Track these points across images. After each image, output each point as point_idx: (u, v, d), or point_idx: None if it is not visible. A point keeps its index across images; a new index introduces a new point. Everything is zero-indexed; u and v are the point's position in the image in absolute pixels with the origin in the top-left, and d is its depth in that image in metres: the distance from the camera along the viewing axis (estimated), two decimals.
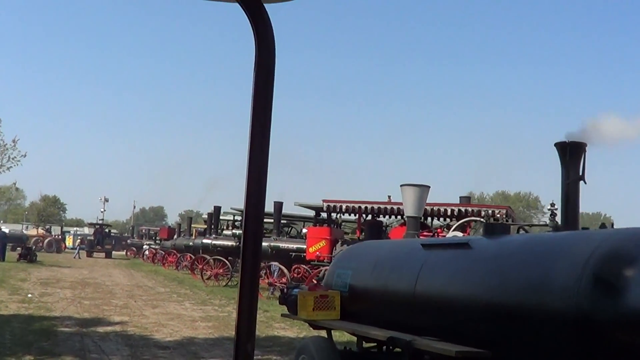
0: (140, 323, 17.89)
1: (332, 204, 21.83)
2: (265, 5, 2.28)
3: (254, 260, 2.38)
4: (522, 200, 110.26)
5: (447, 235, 16.91)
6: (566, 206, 9.19)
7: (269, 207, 29.86)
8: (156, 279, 36.80)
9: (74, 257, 60.74)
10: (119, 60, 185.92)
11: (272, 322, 19.29)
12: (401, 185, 17.45)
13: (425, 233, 21.35)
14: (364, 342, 9.77)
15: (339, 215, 28.37)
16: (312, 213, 32.09)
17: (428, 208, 21.08)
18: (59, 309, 20.07)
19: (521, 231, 17.54)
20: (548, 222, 16.36)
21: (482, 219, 17.89)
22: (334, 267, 10.71)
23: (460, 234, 16.82)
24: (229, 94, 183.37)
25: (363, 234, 22.33)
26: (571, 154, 9.21)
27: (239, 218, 37.36)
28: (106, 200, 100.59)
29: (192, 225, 50.14)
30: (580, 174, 9.35)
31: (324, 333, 10.17)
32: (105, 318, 18.54)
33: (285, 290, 11.11)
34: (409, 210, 17.39)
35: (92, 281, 32.24)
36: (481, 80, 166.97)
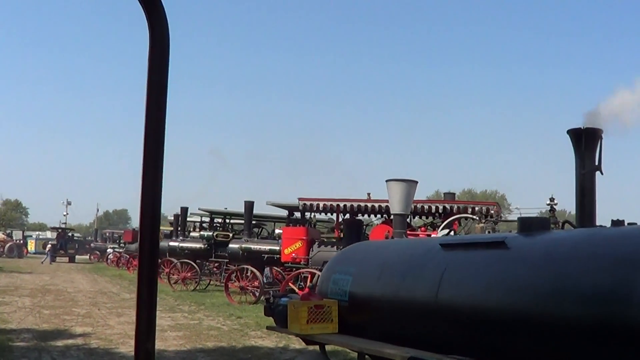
0: (105, 334, 16.19)
1: (308, 203, 20.30)
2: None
3: (151, 257, 2.26)
4: (489, 198, 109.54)
5: (438, 234, 15.44)
6: (582, 200, 7.90)
7: (239, 207, 28.29)
8: (121, 284, 34.96)
9: (42, 262, 58.62)
10: (80, 63, 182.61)
11: (248, 330, 17.67)
12: (387, 181, 15.99)
13: (410, 232, 19.94)
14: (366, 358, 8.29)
15: (313, 214, 26.89)
16: (284, 213, 30.62)
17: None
18: (16, 320, 18.29)
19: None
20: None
21: (474, 217, 16.42)
22: (329, 271, 9.16)
23: (452, 232, 15.37)
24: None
25: (342, 234, 20.83)
26: (587, 142, 8.00)
27: (207, 219, 35.74)
28: (69, 203, 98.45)
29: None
30: (597, 163, 8.23)
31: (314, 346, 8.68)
32: (67, 329, 16.81)
33: (271, 299, 9.56)
34: (396, 207, 15.90)
35: (54, 288, 30.35)
36: (451, 79, 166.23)
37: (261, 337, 16.68)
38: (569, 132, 8.17)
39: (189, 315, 20.89)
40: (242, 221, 34.97)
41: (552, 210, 15.14)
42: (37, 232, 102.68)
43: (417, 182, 16.00)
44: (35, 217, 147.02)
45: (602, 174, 8.04)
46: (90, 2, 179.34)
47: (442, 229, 16.68)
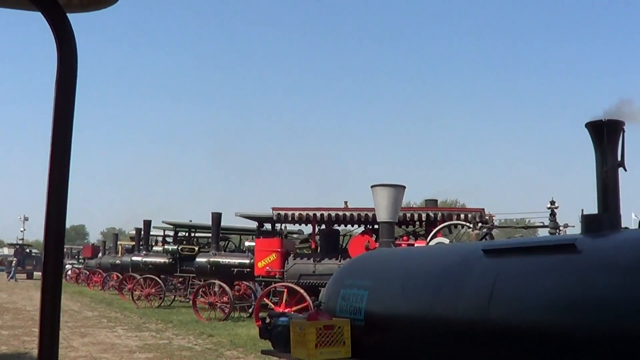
0: (69, 357, 14.62)
1: (282, 212, 18.85)
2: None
3: (55, 270, 1.86)
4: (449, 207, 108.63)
5: (433, 242, 14.17)
6: (604, 199, 6.61)
7: (206, 219, 26.78)
8: (82, 301, 33.14)
9: (8, 280, 56.44)
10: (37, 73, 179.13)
11: (222, 350, 16.19)
12: (372, 186, 14.62)
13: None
14: None
15: (284, 226, 25.47)
16: (251, 224, 29.17)
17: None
18: None
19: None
20: (548, 221, 13.92)
21: (467, 223, 15.20)
22: (336, 286, 7.77)
23: (446, 241, 14.13)
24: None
25: (318, 245, 19.46)
26: (609, 135, 6.76)
27: (171, 233, 34.08)
28: (26, 219, 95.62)
29: (118, 242, 46.57)
30: (620, 159, 7.00)
31: None
32: (27, 352, 15.19)
33: (267, 320, 8.14)
34: (382, 215, 14.52)
35: (12, 306, 28.49)
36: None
37: (237, 358, 15.25)
38: (587, 125, 7.00)
39: (157, 334, 19.33)
40: (209, 234, 33.50)
41: (553, 214, 13.98)
42: None
43: (404, 187, 14.68)
44: None
45: (625, 170, 6.90)
46: None
47: (432, 237, 15.46)
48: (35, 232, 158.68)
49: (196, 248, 27.84)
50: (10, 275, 58.84)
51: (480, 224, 14.07)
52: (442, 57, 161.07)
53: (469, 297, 5.72)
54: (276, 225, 24.96)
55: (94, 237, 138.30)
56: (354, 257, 18.60)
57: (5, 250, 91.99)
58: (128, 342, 17.42)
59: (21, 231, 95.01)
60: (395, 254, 8.10)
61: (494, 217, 14.78)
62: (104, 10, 2.33)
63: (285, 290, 18.55)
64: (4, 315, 23.84)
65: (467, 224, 15.08)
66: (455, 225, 16.45)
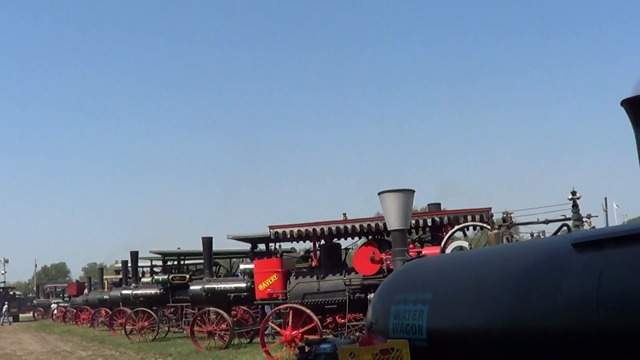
0: None
1: (280, 230, 17.70)
2: None
3: None
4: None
5: (451, 247, 13.10)
6: None
7: (196, 244, 25.56)
8: (72, 340, 31.68)
9: (1, 324, 54.76)
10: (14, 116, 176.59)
11: None
12: (380, 193, 13.59)
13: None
14: None
15: (279, 245, 24.30)
16: (242, 247, 28.00)
17: (380, 223, 17.31)
18: None
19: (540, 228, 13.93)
20: (571, 213, 12.91)
21: (483, 224, 14.16)
22: (385, 302, 6.69)
23: (465, 244, 13.08)
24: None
25: (319, 261, 18.30)
26: None
27: (159, 263, 32.80)
28: (6, 261, 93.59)
29: (104, 277, 45.12)
30: None
31: None
32: None
33: (305, 348, 7.03)
34: (393, 222, 13.46)
35: (1, 352, 26.99)
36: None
37: None
38: (623, 102, 6.08)
39: None
40: (198, 261, 32.27)
41: (576, 205, 12.99)
42: None
43: (413, 192, 13.66)
44: None
45: None
46: None
47: (446, 242, 14.40)
48: (15, 274, 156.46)
49: (187, 276, 26.65)
50: (2, 319, 57.25)
51: (503, 223, 13.07)
52: (429, 58, 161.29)
53: (568, 300, 4.66)
54: (270, 244, 23.86)
55: (76, 274, 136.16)
56: (360, 271, 17.57)
57: None
58: None
59: (2, 274, 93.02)
60: (454, 260, 7.02)
61: (511, 214, 13.71)
62: None
63: (291, 311, 17.38)
64: None
65: (485, 225, 14.05)
66: (468, 228, 15.39)
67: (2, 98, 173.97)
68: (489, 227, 13.69)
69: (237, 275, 26.48)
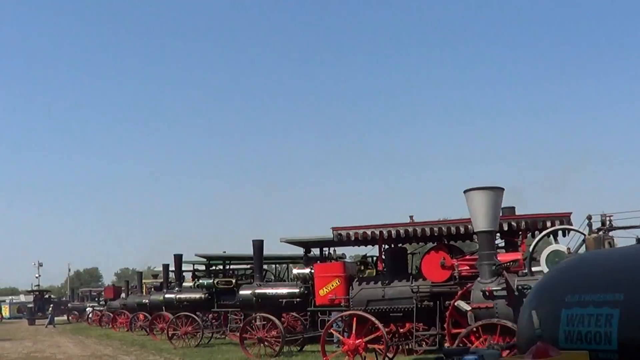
0: None
1: (343, 233, 16.45)
2: None
3: None
4: None
5: (546, 252, 11.80)
6: None
7: (246, 248, 24.38)
8: (112, 344, 30.59)
9: (46, 327, 54.03)
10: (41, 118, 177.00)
11: None
12: (466, 191, 12.37)
13: (466, 260, 16.23)
14: None
15: (332, 249, 23.08)
16: (292, 252, 26.83)
17: (452, 227, 16.01)
18: None
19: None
20: None
21: (577, 229, 12.82)
22: (553, 305, 5.41)
23: (563, 248, 11.78)
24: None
25: (384, 267, 17.01)
26: None
27: (201, 267, 31.64)
28: (40, 264, 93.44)
29: (143, 281, 44.11)
30: None
31: None
32: None
33: (444, 358, 5.77)
34: (480, 223, 12.25)
35: (40, 355, 25.96)
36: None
37: None
38: None
39: None
40: (242, 266, 31.13)
41: None
42: (9, 297, 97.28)
43: (503, 190, 12.41)
44: (5, 281, 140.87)
45: None
46: None
47: (535, 246, 13.10)
48: (49, 277, 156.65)
49: (234, 280, 25.47)
50: (49, 321, 56.56)
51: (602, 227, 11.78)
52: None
53: None
54: (324, 249, 22.65)
55: (108, 279, 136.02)
56: (428, 277, 16.26)
57: (22, 297, 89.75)
58: None
59: (36, 277, 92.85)
60: None
61: (611, 217, 12.36)
62: None
63: (354, 319, 16.12)
64: None
65: (577, 230, 12.73)
66: (557, 233, 14.00)
67: (34, 100, 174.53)
68: (583, 232, 12.44)
69: (284, 281, 25.39)
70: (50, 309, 59.51)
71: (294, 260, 27.63)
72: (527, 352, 4.93)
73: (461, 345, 12.18)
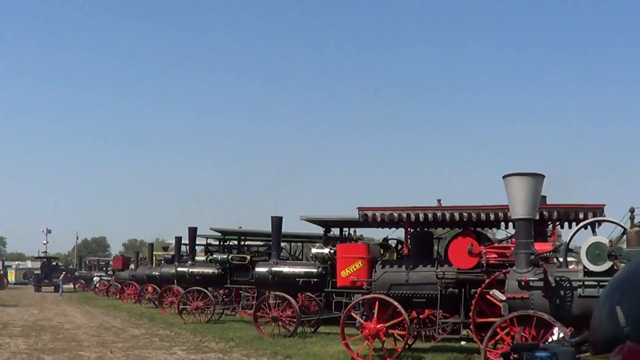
0: None
1: (369, 213, 15.93)
2: None
3: None
4: None
5: (587, 244, 11.25)
6: None
7: (265, 224, 23.92)
8: (120, 316, 30.27)
9: (60, 295, 54.49)
10: (52, 87, 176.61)
11: None
12: (505, 176, 11.84)
13: (494, 247, 15.72)
14: None
15: (354, 231, 22.58)
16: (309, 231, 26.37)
17: (482, 213, 15.47)
18: None
19: None
20: None
21: (621, 224, 12.24)
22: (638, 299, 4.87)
23: (604, 240, 11.24)
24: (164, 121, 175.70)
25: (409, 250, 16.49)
26: None
27: (214, 242, 31.22)
28: (49, 231, 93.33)
29: (154, 253, 43.73)
30: None
31: None
32: None
33: (510, 355, 5.27)
34: (519, 210, 11.71)
35: (48, 324, 25.61)
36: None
37: None
38: None
39: (224, 355, 16.49)
40: (258, 243, 30.72)
41: None
42: (16, 262, 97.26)
43: (543, 177, 11.87)
44: (13, 247, 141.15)
45: None
46: None
47: (572, 237, 12.57)
48: (56, 245, 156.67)
49: (248, 257, 25.04)
50: (60, 291, 56.54)
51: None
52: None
53: None
54: (344, 229, 22.15)
55: (115, 249, 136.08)
56: (455, 263, 15.75)
57: (29, 264, 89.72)
58: None
59: (44, 244, 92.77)
60: None
61: None
62: None
63: (377, 303, 15.65)
64: (42, 335, 21.02)
65: (619, 223, 12.17)
66: (598, 224, 13.40)
67: (45, 71, 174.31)
68: (622, 225, 11.90)
69: (300, 260, 25.01)
70: (62, 276, 59.40)
71: (311, 239, 27.12)
72: (615, 352, 4.44)
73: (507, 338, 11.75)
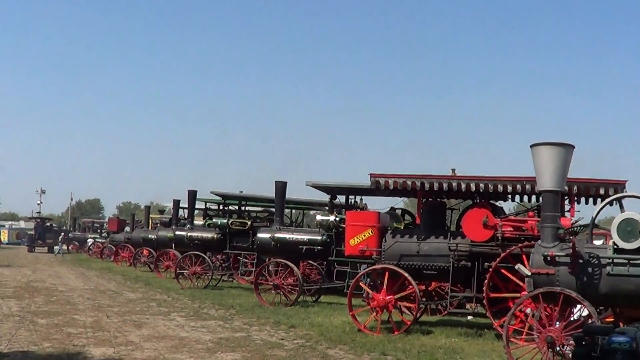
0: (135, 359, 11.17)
1: (382, 180, 15.24)
2: None
3: None
4: None
5: (619, 219, 10.57)
6: None
7: (268, 190, 23.25)
8: (115, 279, 29.64)
9: (56, 255, 54.16)
10: (51, 44, 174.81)
11: (319, 347, 12.78)
12: (532, 146, 11.11)
13: (509, 220, 15.07)
14: None
15: (361, 199, 21.89)
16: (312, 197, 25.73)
17: (499, 184, 14.81)
18: (5, 336, 13.02)
19: None
20: None
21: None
22: None
23: (637, 216, 10.54)
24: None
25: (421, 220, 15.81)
26: None
27: (213, 206, 30.59)
28: (43, 192, 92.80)
29: (150, 216, 43.07)
30: None
31: None
32: (80, 353, 11.67)
33: (584, 339, 4.61)
34: (547, 181, 10.99)
35: (41, 285, 24.95)
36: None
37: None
38: None
39: (225, 323, 15.87)
40: (258, 209, 30.13)
41: None
42: (9, 222, 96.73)
43: (573, 147, 11.16)
44: (6, 207, 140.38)
45: None
46: None
47: (599, 211, 11.86)
48: (50, 206, 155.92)
49: (249, 222, 24.40)
50: (58, 251, 55.93)
51: None
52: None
53: None
54: (350, 197, 21.48)
55: (109, 212, 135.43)
56: (469, 235, 15.09)
57: (22, 224, 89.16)
58: (197, 335, 13.96)
59: (38, 204, 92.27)
60: None
61: None
62: None
63: (386, 273, 15.03)
64: (35, 297, 20.37)
65: None
66: (619, 201, 12.69)
67: (45, 33, 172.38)
68: None
69: (299, 225, 24.46)
70: (61, 237, 58.73)
71: (314, 206, 26.44)
72: None
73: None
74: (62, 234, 60.70)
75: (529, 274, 10.68)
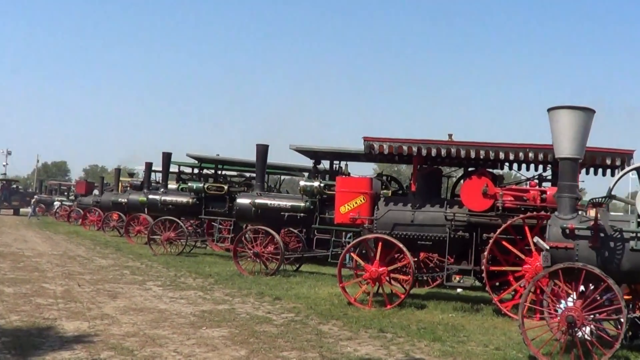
0: (114, 336, 10.06)
1: (376, 144, 14.20)
2: None
3: None
4: None
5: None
6: None
7: (249, 153, 22.10)
8: (84, 244, 28.40)
9: (30, 217, 52.73)
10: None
11: (311, 322, 11.79)
12: (550, 109, 10.09)
13: (510, 190, 14.18)
14: None
15: (345, 164, 20.83)
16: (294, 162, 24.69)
17: (500, 152, 13.86)
18: None
19: None
20: None
21: None
22: None
23: None
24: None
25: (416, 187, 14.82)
26: None
27: (187, 169, 29.43)
28: (9, 153, 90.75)
29: (120, 179, 41.73)
30: None
31: None
32: (51, 326, 10.50)
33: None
34: (565, 148, 9.96)
35: (7, 250, 23.62)
36: None
37: (349, 338, 10.73)
38: None
39: (205, 294, 14.82)
40: (233, 173, 29.06)
41: None
42: None
43: (594, 112, 10.17)
44: None
45: None
46: None
47: (616, 182, 10.93)
48: (16, 167, 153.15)
49: (226, 187, 23.32)
50: (31, 214, 54.40)
51: None
52: None
53: None
54: (334, 162, 20.43)
55: (76, 174, 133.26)
56: (467, 204, 14.15)
57: None
58: (177, 307, 12.91)
59: (3, 165, 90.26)
60: None
61: None
62: None
63: (380, 243, 14.07)
64: (1, 264, 19.14)
65: None
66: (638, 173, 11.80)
67: None
68: None
69: (277, 191, 23.44)
70: (34, 200, 57.16)
71: (295, 172, 25.40)
72: None
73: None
74: (35, 196, 59.14)
75: (547, 247, 9.73)
